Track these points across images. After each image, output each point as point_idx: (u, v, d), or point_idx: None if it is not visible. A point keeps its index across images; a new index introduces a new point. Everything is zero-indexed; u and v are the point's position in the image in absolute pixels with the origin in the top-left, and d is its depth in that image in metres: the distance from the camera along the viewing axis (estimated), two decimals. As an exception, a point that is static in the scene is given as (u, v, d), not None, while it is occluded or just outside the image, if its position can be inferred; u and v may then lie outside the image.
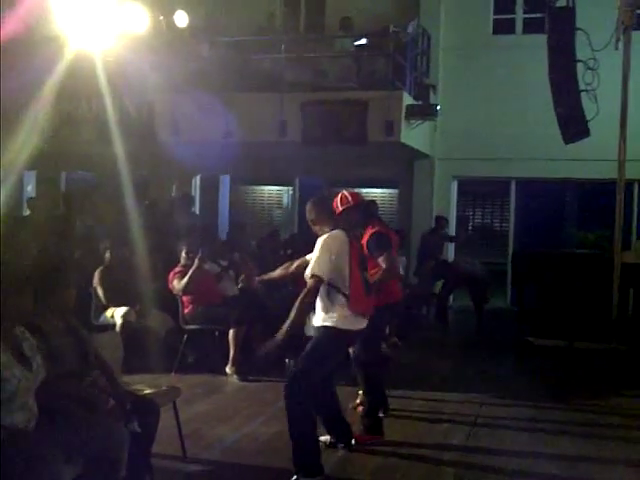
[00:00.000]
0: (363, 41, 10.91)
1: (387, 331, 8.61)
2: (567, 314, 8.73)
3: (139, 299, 7.45)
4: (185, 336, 7.46)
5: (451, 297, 12.40)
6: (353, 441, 5.26)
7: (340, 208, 5.38)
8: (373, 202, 6.75)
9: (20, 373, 3.41)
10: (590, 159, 10.98)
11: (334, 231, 4.74)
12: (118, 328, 7.11)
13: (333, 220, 4.89)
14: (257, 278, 5.59)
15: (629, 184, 10.16)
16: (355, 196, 5.59)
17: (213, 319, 7.43)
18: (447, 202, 12.74)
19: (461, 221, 12.17)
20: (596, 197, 11.83)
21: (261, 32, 11.84)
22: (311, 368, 4.66)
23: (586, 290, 8.89)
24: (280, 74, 10.58)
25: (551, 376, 7.75)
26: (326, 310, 4.70)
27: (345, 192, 5.60)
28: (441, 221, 11.31)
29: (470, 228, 13.68)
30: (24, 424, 3.44)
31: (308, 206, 4.96)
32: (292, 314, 4.56)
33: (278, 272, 5.51)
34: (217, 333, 7.63)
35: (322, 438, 5.12)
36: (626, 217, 9.56)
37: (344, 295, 4.65)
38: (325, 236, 4.70)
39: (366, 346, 5.47)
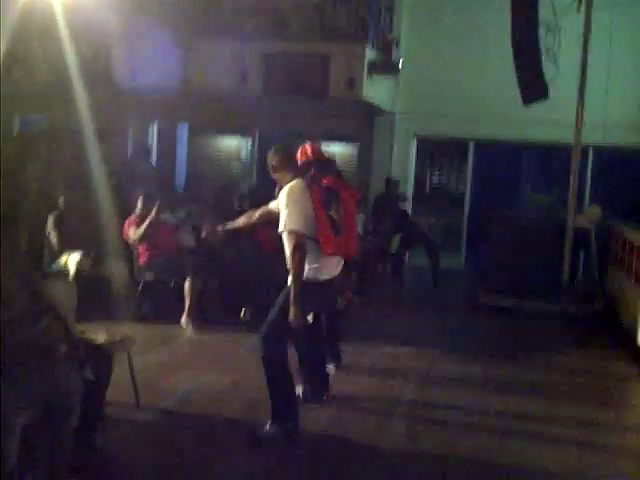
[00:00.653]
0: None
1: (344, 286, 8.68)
2: (519, 275, 8.87)
3: (94, 246, 7.32)
4: (140, 286, 7.40)
5: (407, 254, 12.51)
6: (325, 397, 5.31)
7: (300, 160, 5.41)
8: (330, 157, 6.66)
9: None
10: (548, 122, 11.06)
11: (293, 182, 4.71)
12: (72, 276, 6.99)
13: (294, 169, 4.86)
14: (220, 227, 5.51)
15: (584, 149, 10.28)
16: (315, 151, 5.59)
17: (169, 269, 7.38)
18: (406, 160, 12.75)
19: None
20: (552, 161, 11.97)
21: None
22: (283, 324, 4.61)
23: (538, 252, 9.04)
24: (242, 22, 10.35)
25: (501, 335, 7.93)
26: None
27: (307, 145, 5.60)
28: (390, 183, 11.29)
29: (428, 187, 13.73)
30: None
31: (270, 152, 4.91)
32: (292, 276, 4.53)
33: (241, 221, 5.43)
34: (173, 284, 7.58)
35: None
36: (580, 182, 9.71)
37: (314, 240, 4.61)
38: (286, 189, 4.66)
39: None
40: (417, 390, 5.83)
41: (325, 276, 4.77)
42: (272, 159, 4.87)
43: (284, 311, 4.62)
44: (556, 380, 6.40)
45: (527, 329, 8.23)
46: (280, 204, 4.66)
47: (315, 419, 5.00)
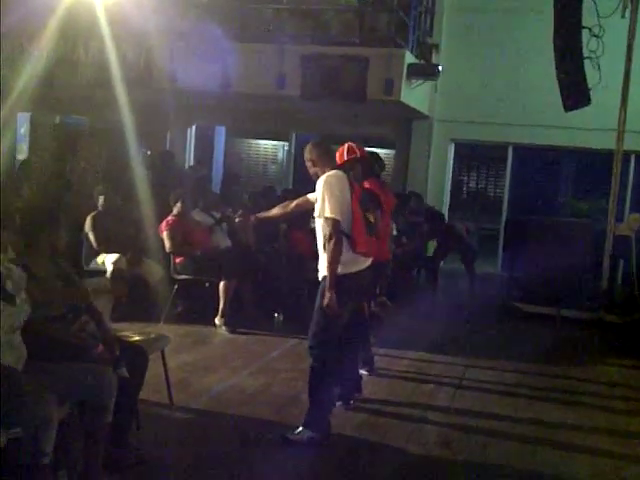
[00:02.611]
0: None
1: (377, 290, 8.66)
2: (556, 282, 8.76)
3: (131, 247, 7.42)
4: (175, 286, 7.47)
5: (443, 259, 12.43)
6: (352, 402, 5.29)
7: (345, 157, 5.39)
8: (379, 160, 6.63)
9: (2, 307, 3.40)
10: (589, 128, 10.91)
11: (333, 171, 4.66)
12: (109, 275, 7.10)
13: (333, 163, 4.83)
14: (254, 216, 5.51)
15: (626, 155, 10.12)
16: (362, 149, 5.60)
17: (204, 270, 7.44)
18: (443, 165, 12.67)
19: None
20: (593, 167, 11.80)
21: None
22: (325, 324, 4.58)
23: (577, 259, 8.91)
24: (281, 25, 10.41)
25: (537, 343, 7.82)
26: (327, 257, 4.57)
27: (353, 144, 5.58)
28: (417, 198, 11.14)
29: (465, 192, 13.64)
30: (14, 363, 3.44)
31: (308, 147, 4.85)
32: (328, 265, 4.48)
33: (276, 210, 5.37)
34: (207, 284, 7.64)
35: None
36: (621, 189, 9.56)
37: (346, 236, 4.57)
38: (325, 176, 4.60)
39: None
40: (449, 396, 5.79)
41: (355, 269, 4.67)
42: (310, 153, 4.81)
43: (324, 314, 4.57)
44: (592, 390, 6.30)
45: (563, 337, 8.12)
46: (317, 191, 4.60)
47: (346, 423, 4.99)
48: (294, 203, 5.22)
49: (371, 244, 4.79)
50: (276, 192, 10.26)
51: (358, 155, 5.44)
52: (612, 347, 7.79)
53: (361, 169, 5.53)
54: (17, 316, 3.51)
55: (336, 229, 4.48)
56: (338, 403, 5.18)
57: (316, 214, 4.61)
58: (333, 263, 4.49)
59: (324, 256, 4.58)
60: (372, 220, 4.87)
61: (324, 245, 4.55)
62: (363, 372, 5.90)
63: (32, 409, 3.26)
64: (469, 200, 13.45)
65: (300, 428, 4.61)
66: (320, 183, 4.59)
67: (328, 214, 4.49)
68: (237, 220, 5.71)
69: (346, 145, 5.48)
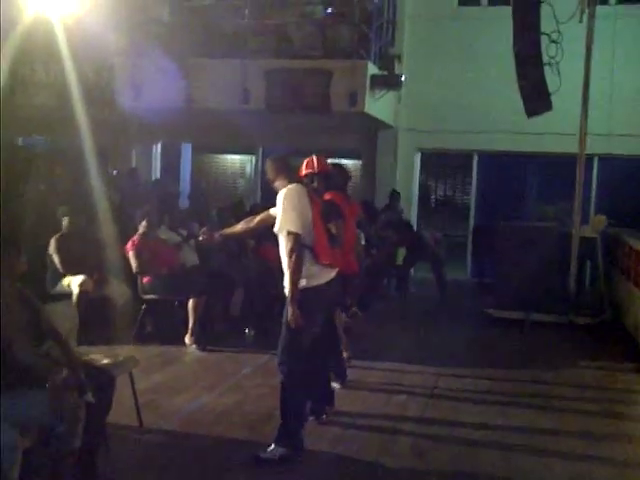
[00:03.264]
0: (328, 8, 10.78)
1: (348, 301, 8.64)
2: (525, 286, 8.81)
3: (97, 268, 7.33)
4: (144, 306, 7.38)
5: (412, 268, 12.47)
6: (324, 416, 5.25)
7: (304, 171, 5.53)
8: (343, 171, 6.60)
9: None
10: (552, 133, 11.05)
11: (292, 185, 4.66)
12: (75, 297, 6.99)
13: (292, 176, 4.83)
14: (218, 233, 5.48)
15: (589, 159, 10.25)
16: (321, 163, 5.64)
17: (172, 289, 7.36)
18: (410, 174, 12.75)
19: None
20: (557, 171, 11.91)
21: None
22: (293, 340, 4.56)
23: (544, 263, 8.98)
24: (244, 40, 10.41)
25: (508, 348, 7.85)
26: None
27: (314, 157, 5.64)
28: (394, 196, 11.32)
29: (433, 200, 13.70)
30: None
31: (267, 164, 4.89)
32: (289, 279, 4.47)
33: (240, 227, 5.36)
34: (176, 303, 7.57)
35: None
36: (585, 191, 9.68)
37: (309, 249, 4.57)
38: (285, 190, 4.61)
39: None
40: (422, 406, 5.77)
41: (320, 281, 4.66)
42: (269, 171, 4.85)
43: (291, 330, 4.54)
44: (564, 393, 6.33)
45: (534, 341, 8.16)
46: (277, 205, 4.61)
47: (319, 438, 4.95)
48: (257, 218, 5.20)
49: (335, 255, 4.80)
50: (245, 207, 10.20)
51: (316, 169, 5.52)
52: (582, 349, 7.84)
53: (323, 181, 5.55)
54: None
55: (297, 243, 4.47)
56: (310, 418, 5.14)
57: (276, 229, 4.60)
58: (294, 277, 4.47)
59: (286, 269, 4.56)
60: (334, 231, 4.86)
61: (287, 258, 4.54)
62: (335, 385, 5.86)
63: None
64: (437, 208, 13.52)
65: (272, 446, 4.56)
66: (280, 197, 4.60)
67: (289, 228, 4.49)
68: (201, 238, 5.67)
69: (307, 159, 5.56)
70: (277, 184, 4.76)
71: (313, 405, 5.16)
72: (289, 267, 4.49)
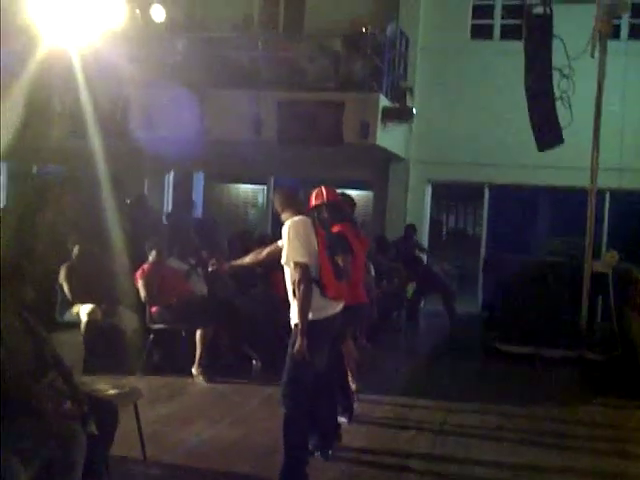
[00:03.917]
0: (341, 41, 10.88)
1: (357, 333, 8.59)
2: (536, 321, 8.73)
3: (106, 297, 7.33)
4: (151, 335, 7.36)
5: (422, 301, 12.42)
6: (330, 452, 5.17)
7: (313, 202, 5.53)
8: (350, 202, 6.62)
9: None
10: (563, 167, 11.03)
11: (297, 217, 4.68)
12: (83, 326, 6.99)
13: (299, 208, 4.84)
14: (227, 264, 5.50)
15: (601, 192, 10.21)
16: (330, 193, 5.66)
17: (180, 319, 7.34)
18: (421, 206, 12.74)
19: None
20: (568, 205, 11.87)
21: (238, 29, 11.75)
22: (297, 372, 4.53)
23: (555, 297, 8.91)
24: (257, 71, 10.51)
25: (519, 384, 7.76)
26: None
27: (323, 188, 5.66)
28: (409, 230, 11.35)
29: (444, 232, 13.69)
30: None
31: (274, 195, 4.95)
32: (298, 310, 4.46)
33: (249, 258, 5.40)
34: (184, 333, 7.54)
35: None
36: (597, 226, 9.63)
37: (315, 282, 4.55)
38: (290, 221, 4.63)
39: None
40: (431, 443, 5.70)
41: (326, 314, 4.64)
42: (276, 202, 4.89)
43: (297, 362, 4.51)
44: (574, 431, 6.23)
45: (545, 377, 8.05)
46: (283, 237, 4.62)
47: (325, 474, 4.89)
48: (266, 250, 5.22)
49: (341, 288, 4.78)
50: (251, 235, 10.18)
51: (325, 200, 5.53)
52: (594, 386, 7.74)
53: (331, 213, 5.57)
54: None
55: (305, 274, 4.46)
56: (316, 453, 5.08)
57: (283, 261, 4.60)
58: (304, 309, 4.45)
59: (295, 303, 4.54)
60: (340, 264, 4.86)
61: (294, 291, 4.52)
62: (343, 420, 5.80)
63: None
64: (448, 240, 13.49)
65: None
66: (285, 229, 4.61)
67: (296, 259, 4.48)
68: (210, 268, 5.69)
69: (317, 189, 5.56)
70: (284, 216, 4.77)
71: (319, 440, 5.10)
72: (298, 298, 4.47)
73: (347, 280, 4.96)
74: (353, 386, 6.37)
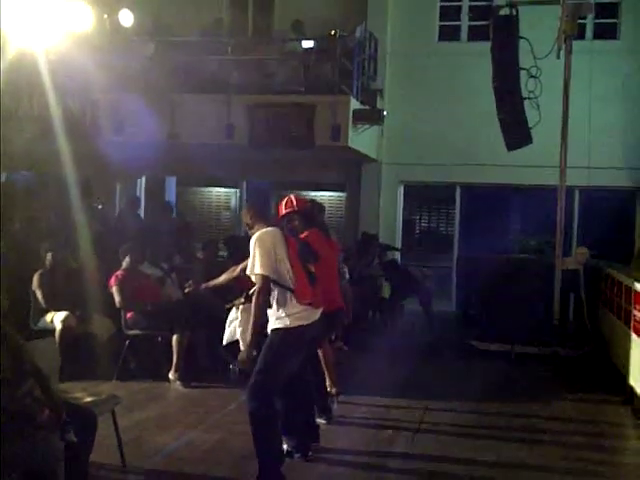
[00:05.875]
0: (310, 44, 10.91)
1: (333, 337, 8.61)
2: (509, 318, 8.83)
3: (80, 304, 7.28)
4: (127, 341, 7.32)
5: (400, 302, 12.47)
6: (310, 453, 5.19)
7: (283, 211, 5.60)
8: (317, 207, 6.66)
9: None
10: (533, 165, 11.18)
11: (267, 228, 4.75)
12: (58, 333, 6.93)
13: (269, 221, 4.90)
14: (203, 285, 5.53)
15: (570, 190, 10.36)
16: (300, 202, 5.73)
17: (156, 324, 7.30)
18: (394, 207, 12.82)
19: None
20: (539, 203, 12.01)
21: (207, 34, 11.72)
22: (268, 374, 4.59)
23: (528, 295, 9.02)
24: (227, 76, 10.49)
25: (494, 381, 7.82)
26: (274, 311, 4.67)
27: (292, 196, 5.73)
28: (365, 239, 11.15)
29: (417, 232, 13.76)
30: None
31: (244, 210, 5.02)
32: (252, 320, 4.55)
33: (223, 277, 5.49)
34: (160, 338, 7.51)
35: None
36: (567, 223, 9.77)
37: (289, 290, 4.63)
38: (258, 233, 4.70)
39: None
40: (409, 442, 5.74)
41: (302, 322, 4.72)
42: (246, 217, 4.95)
43: (270, 365, 4.59)
44: (550, 426, 6.31)
45: (519, 374, 8.15)
46: (250, 249, 4.67)
47: (305, 475, 4.91)
48: (239, 268, 5.31)
49: (315, 294, 4.84)
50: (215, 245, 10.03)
51: (295, 208, 5.62)
52: (568, 381, 7.85)
53: (302, 221, 5.66)
54: None
55: (263, 286, 4.56)
56: (296, 455, 5.10)
57: (248, 271, 4.66)
58: (256, 321, 4.55)
59: (271, 311, 4.61)
60: (313, 270, 4.93)
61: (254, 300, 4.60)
62: (321, 421, 5.82)
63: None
64: (421, 239, 13.57)
65: None
66: (252, 241, 4.68)
67: (258, 270, 4.56)
68: (187, 290, 5.78)
69: (286, 198, 5.65)
70: (254, 232, 4.81)
71: (298, 442, 5.12)
72: (253, 309, 4.57)
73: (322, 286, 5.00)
74: (333, 389, 6.42)
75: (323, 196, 13.59)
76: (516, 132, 8.97)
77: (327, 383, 6.41)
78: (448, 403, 6.81)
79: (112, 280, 7.41)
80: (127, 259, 7.54)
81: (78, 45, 9.25)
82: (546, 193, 10.97)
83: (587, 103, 10.80)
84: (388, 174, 12.60)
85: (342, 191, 13.42)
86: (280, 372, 4.66)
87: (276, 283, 4.62)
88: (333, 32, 10.46)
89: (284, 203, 5.69)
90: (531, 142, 9.11)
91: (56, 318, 7.11)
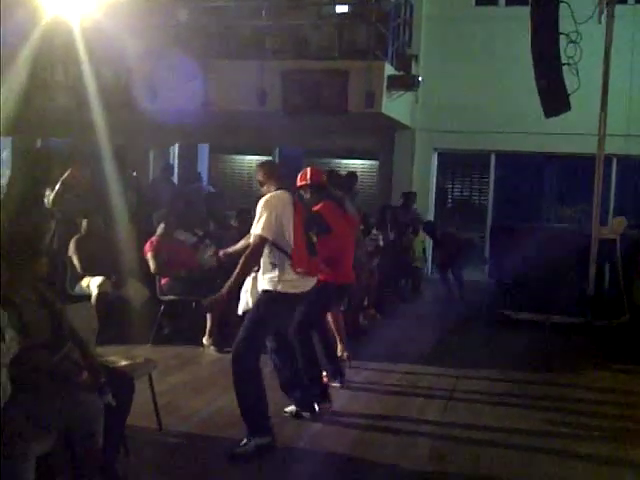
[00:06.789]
0: (345, 8, 10.77)
1: (365, 303, 8.64)
2: (544, 288, 8.75)
3: (116, 269, 7.36)
4: (162, 307, 7.41)
5: (430, 267, 12.47)
6: (317, 407, 5.30)
7: (298, 184, 5.74)
8: (345, 179, 6.63)
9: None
10: (570, 133, 10.98)
11: (277, 191, 4.79)
12: (94, 299, 7.03)
13: (280, 183, 4.91)
14: (221, 252, 5.59)
15: (608, 159, 10.17)
16: (314, 174, 5.78)
17: (190, 290, 7.37)
18: (427, 174, 12.72)
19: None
20: (575, 171, 11.83)
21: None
22: (254, 333, 4.73)
23: (563, 264, 8.91)
24: (261, 41, 10.42)
25: (527, 350, 7.80)
26: (268, 273, 4.75)
27: (309, 169, 5.83)
28: (409, 197, 11.33)
29: (449, 201, 13.65)
30: (-5, 401, 3.38)
31: (256, 168, 5.07)
32: (235, 272, 4.64)
33: (241, 244, 5.45)
34: (194, 304, 7.58)
35: (287, 409, 5.29)
36: (604, 193, 9.60)
37: (287, 255, 4.69)
38: (267, 196, 4.75)
39: (306, 317, 5.50)
40: (441, 409, 5.75)
41: (294, 290, 4.80)
42: (258, 174, 4.99)
43: (255, 321, 4.75)
44: (583, 396, 6.28)
45: (552, 343, 8.08)
46: (257, 209, 4.73)
47: (339, 440, 4.95)
48: None
49: (313, 264, 4.89)
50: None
51: (308, 181, 5.72)
52: (602, 351, 7.78)
53: (316, 192, 5.74)
54: (6, 354, 3.45)
55: (258, 246, 4.64)
56: (304, 414, 5.26)
57: (252, 230, 4.73)
58: (240, 274, 4.66)
59: (267, 272, 4.73)
60: (315, 240, 4.99)
61: (264, 261, 4.72)
62: (335, 384, 5.94)
63: (10, 446, 3.19)
64: (454, 208, 13.46)
65: (244, 440, 4.64)
66: (260, 203, 4.73)
67: (258, 231, 4.63)
68: (209, 257, 5.87)
69: (303, 170, 5.79)
70: (264, 190, 4.88)
71: (302, 396, 5.25)
72: (241, 263, 4.64)
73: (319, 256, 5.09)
74: (345, 354, 6.55)
75: (356, 164, 13.55)
76: (554, 99, 8.77)
77: (339, 348, 6.56)
78: (481, 372, 6.80)
79: (147, 246, 7.48)
80: (161, 225, 7.60)
81: (112, 12, 9.27)
82: (582, 161, 10.80)
83: (628, 70, 10.55)
84: (422, 141, 12.48)
85: (375, 159, 13.34)
86: (264, 332, 4.85)
87: (275, 245, 4.69)
88: (368, -4, 10.32)
89: (300, 175, 5.80)
90: (569, 109, 8.91)
91: (92, 283, 7.21)
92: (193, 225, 8.31)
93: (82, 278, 7.37)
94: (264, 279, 4.77)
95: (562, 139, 11.29)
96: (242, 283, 4.95)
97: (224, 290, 4.68)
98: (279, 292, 4.72)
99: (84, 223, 7.58)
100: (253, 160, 14.76)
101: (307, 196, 5.70)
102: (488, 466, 4.67)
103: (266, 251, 4.69)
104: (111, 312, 6.97)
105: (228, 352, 6.97)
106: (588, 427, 5.47)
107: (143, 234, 7.84)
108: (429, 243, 12.21)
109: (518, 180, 12.50)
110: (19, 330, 3.62)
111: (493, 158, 12.65)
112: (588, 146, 9.53)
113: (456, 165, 13.43)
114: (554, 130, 10.48)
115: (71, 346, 3.98)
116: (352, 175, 10.39)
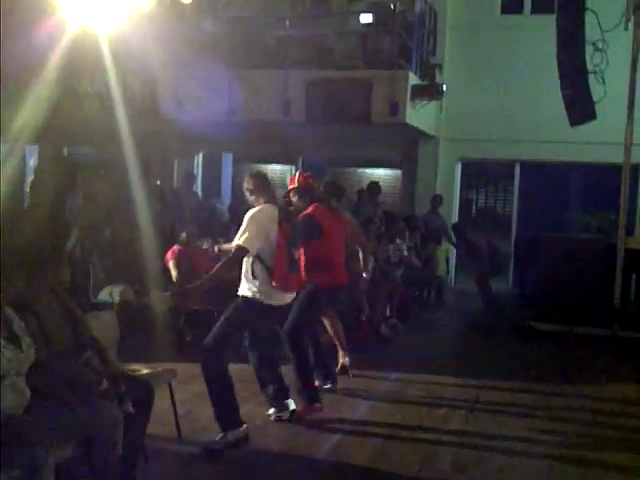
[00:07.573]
0: (369, 18, 10.77)
1: (387, 312, 8.61)
2: (569, 299, 8.66)
3: (139, 278, 7.40)
4: (184, 316, 7.42)
5: (453, 278, 12.40)
6: (291, 406, 5.38)
7: (288, 188, 6.03)
8: (336, 188, 6.58)
9: (10, 353, 3.37)
10: (596, 142, 10.86)
11: (265, 205, 4.92)
12: (116, 306, 7.07)
13: (267, 195, 5.04)
14: (216, 247, 5.88)
15: (634, 169, 10.04)
16: (302, 179, 5.96)
17: (212, 299, 7.36)
18: (451, 184, 12.65)
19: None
20: (601, 181, 11.69)
21: (266, 8, 11.66)
22: (224, 333, 4.89)
23: (588, 275, 8.82)
24: (285, 51, 10.46)
25: (551, 362, 7.70)
26: (249, 282, 4.89)
27: (297, 174, 6.08)
28: (436, 201, 11.36)
29: (474, 211, 13.58)
30: (14, 408, 3.39)
31: (246, 178, 5.17)
32: (210, 273, 4.83)
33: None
34: (216, 313, 7.58)
35: (269, 412, 5.41)
36: (630, 202, 9.48)
37: (267, 269, 4.81)
38: (254, 210, 4.89)
39: (297, 320, 5.60)
40: (464, 420, 5.69)
41: (271, 302, 4.92)
42: (248, 183, 5.09)
43: (229, 322, 4.89)
44: (607, 408, 6.19)
45: (577, 355, 7.97)
46: (244, 221, 4.84)
47: (360, 449, 4.92)
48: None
49: (290, 280, 5.01)
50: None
51: (296, 184, 5.92)
52: (627, 363, 7.66)
53: (304, 196, 5.88)
54: (24, 361, 3.48)
55: (237, 256, 4.79)
56: (284, 415, 5.33)
57: (234, 241, 4.86)
58: (213, 278, 4.83)
59: (249, 280, 4.86)
60: (296, 257, 5.15)
61: (246, 270, 4.85)
62: (326, 387, 6.07)
63: (30, 453, 3.20)
64: (478, 218, 13.38)
65: (220, 434, 4.74)
66: (248, 215, 4.85)
67: (239, 241, 4.75)
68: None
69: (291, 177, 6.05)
70: (252, 198, 5.02)
71: (274, 393, 5.38)
72: (217, 268, 4.82)
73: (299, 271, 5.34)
74: (346, 359, 6.59)
75: (379, 173, 13.53)
76: (580, 107, 8.70)
77: (340, 354, 6.62)
78: (504, 383, 6.73)
79: (168, 255, 7.52)
80: (183, 234, 7.63)
81: (138, 22, 9.35)
82: (608, 170, 10.68)
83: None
84: (446, 151, 12.42)
85: (398, 168, 13.30)
86: (233, 334, 5.04)
87: (258, 258, 4.82)
88: (392, 6, 10.30)
89: (289, 180, 6.03)
90: (595, 118, 8.82)
91: (115, 291, 7.25)
92: (216, 234, 8.32)
93: (105, 286, 7.41)
94: (245, 286, 4.92)
95: (587, 148, 11.17)
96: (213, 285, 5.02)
97: (192, 286, 4.90)
98: (257, 300, 4.87)
99: (107, 231, 7.63)
100: (276, 169, 14.81)
101: (295, 199, 5.89)
102: (510, 477, 4.61)
103: (250, 260, 4.83)
104: (133, 320, 6.99)
105: (247, 362, 7.03)
106: (612, 439, 5.39)
107: (166, 243, 7.88)
108: (452, 253, 12.16)
109: (543, 190, 12.39)
110: (39, 338, 3.65)
111: (518, 167, 12.55)
112: (614, 155, 9.42)
113: (480, 175, 13.35)
114: (579, 139, 10.38)
115: (91, 354, 4.01)
116: (374, 185, 10.37)
